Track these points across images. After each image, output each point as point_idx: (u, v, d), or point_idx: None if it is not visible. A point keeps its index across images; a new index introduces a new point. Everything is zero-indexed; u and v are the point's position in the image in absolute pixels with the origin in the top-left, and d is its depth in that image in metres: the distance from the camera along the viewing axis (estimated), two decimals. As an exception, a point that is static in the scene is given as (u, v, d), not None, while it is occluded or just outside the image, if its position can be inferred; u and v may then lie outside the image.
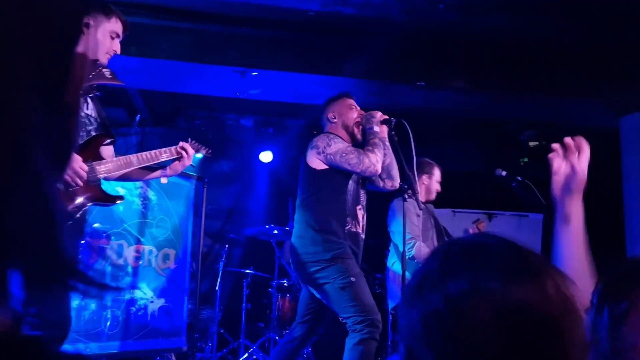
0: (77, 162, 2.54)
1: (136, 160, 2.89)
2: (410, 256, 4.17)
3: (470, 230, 5.09)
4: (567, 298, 0.74)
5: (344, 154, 3.49)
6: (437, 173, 4.73)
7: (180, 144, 3.03)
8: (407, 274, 3.64)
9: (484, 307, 0.72)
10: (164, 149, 3.02)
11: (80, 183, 2.56)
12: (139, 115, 6.57)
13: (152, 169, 3.02)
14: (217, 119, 7.32)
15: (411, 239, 4.19)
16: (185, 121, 7.25)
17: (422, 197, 4.59)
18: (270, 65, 5.22)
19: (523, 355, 0.70)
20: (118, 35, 2.79)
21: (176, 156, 3.04)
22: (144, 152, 2.95)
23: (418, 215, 4.38)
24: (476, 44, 5.17)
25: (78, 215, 2.63)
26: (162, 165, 3.08)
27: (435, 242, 4.48)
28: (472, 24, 4.84)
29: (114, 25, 2.77)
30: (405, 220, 3.69)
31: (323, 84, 5.49)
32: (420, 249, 4.21)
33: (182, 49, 5.06)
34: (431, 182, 4.68)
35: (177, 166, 3.06)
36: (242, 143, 7.50)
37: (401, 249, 4.25)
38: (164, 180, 3.13)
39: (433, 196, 4.72)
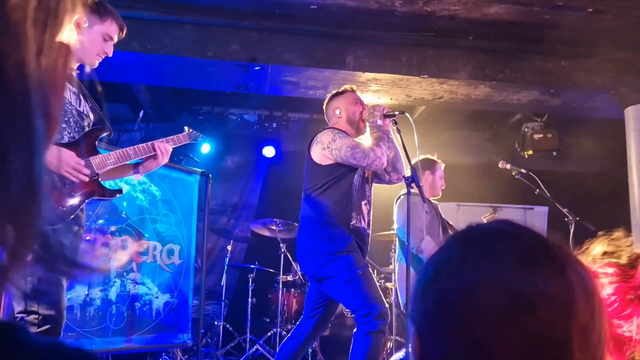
0: (72, 158, 2.50)
1: (133, 152, 2.84)
2: (414, 249, 4.18)
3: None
4: (591, 293, 0.71)
5: (349, 149, 3.47)
6: (439, 169, 4.73)
7: (155, 142, 2.93)
8: (412, 269, 3.62)
9: (502, 298, 0.68)
10: (156, 141, 2.97)
11: (85, 179, 2.54)
12: (142, 111, 6.57)
13: (124, 169, 2.94)
14: (220, 115, 7.32)
15: (419, 232, 4.21)
16: (188, 117, 7.25)
17: (427, 194, 4.59)
18: (273, 59, 5.21)
19: (540, 349, 0.67)
20: (111, 38, 2.75)
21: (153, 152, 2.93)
22: (140, 145, 2.89)
23: (426, 212, 4.39)
24: (480, 34, 5.14)
25: (78, 211, 2.62)
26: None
27: (442, 237, 4.47)
28: (475, 14, 4.81)
29: (108, 27, 2.73)
30: (409, 215, 3.68)
31: (326, 78, 5.47)
32: (427, 242, 4.22)
33: (185, 44, 5.05)
34: (434, 178, 4.69)
35: (152, 164, 2.95)
36: (245, 138, 7.49)
37: (406, 244, 4.25)
38: (137, 177, 3.07)
39: (438, 192, 4.73)
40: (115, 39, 2.78)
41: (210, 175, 5.21)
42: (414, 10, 4.74)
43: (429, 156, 4.76)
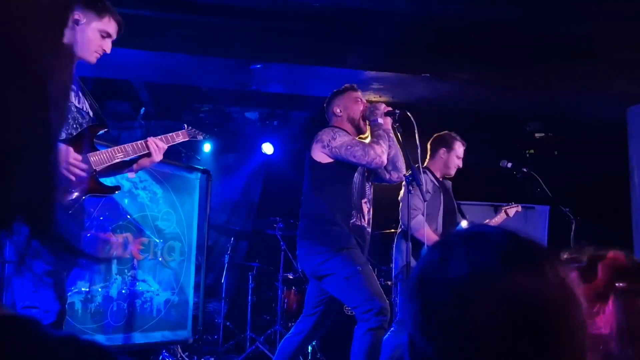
0: (71, 155, 2.49)
1: (132, 149, 2.82)
2: (404, 225, 4.18)
3: (498, 218, 4.96)
4: (565, 283, 0.75)
5: (349, 147, 3.47)
6: (458, 148, 4.54)
7: (149, 139, 2.90)
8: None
9: (485, 294, 0.72)
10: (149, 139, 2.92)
11: (83, 174, 2.53)
12: (143, 109, 6.57)
13: (120, 166, 2.91)
14: (222, 112, 7.31)
15: (413, 211, 4.14)
16: (190, 114, 7.24)
17: (438, 172, 4.55)
18: (275, 57, 5.20)
19: (526, 340, 0.70)
20: (109, 35, 2.73)
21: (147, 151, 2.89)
22: (137, 142, 2.87)
23: (428, 192, 4.33)
24: (482, 34, 5.13)
25: (75, 207, 2.62)
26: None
27: (441, 221, 4.44)
28: (477, 14, 4.80)
29: (106, 24, 2.70)
30: (410, 208, 3.68)
31: (328, 76, 5.47)
32: (420, 221, 4.13)
33: (187, 41, 5.05)
34: (449, 156, 4.51)
35: (145, 162, 2.92)
36: (247, 136, 7.49)
37: (407, 242, 4.25)
38: (131, 175, 3.05)
39: (451, 171, 4.56)
40: (114, 36, 2.76)
41: (211, 173, 5.21)
42: (417, 9, 4.74)
43: (452, 133, 4.59)
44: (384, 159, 3.51)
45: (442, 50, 5.37)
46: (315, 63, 5.26)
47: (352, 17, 4.93)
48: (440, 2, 4.62)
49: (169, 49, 5.04)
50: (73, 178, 2.50)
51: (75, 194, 2.57)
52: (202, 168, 5.28)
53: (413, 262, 3.82)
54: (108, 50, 2.75)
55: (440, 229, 4.40)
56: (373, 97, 5.82)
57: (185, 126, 3.16)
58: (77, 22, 2.64)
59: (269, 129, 7.37)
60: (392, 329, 4.21)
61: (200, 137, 3.29)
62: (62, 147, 2.49)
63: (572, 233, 4.64)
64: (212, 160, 6.91)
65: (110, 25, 2.72)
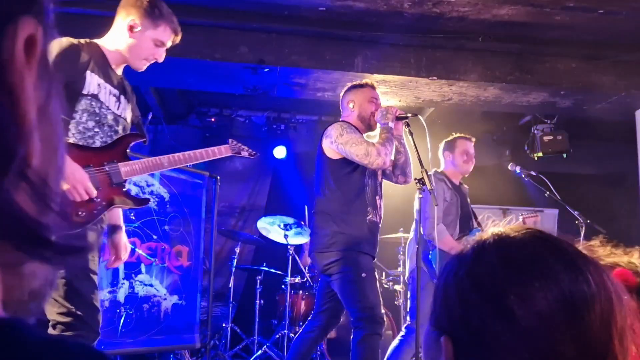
0: (78, 172, 2.31)
1: (167, 162, 2.70)
2: (425, 235, 4.20)
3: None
4: (620, 295, 0.74)
5: (353, 145, 3.48)
6: (460, 145, 4.60)
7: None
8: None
9: (526, 297, 0.72)
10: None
11: (85, 196, 2.33)
12: (150, 113, 6.58)
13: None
14: (228, 116, 7.32)
15: (431, 220, 4.17)
16: (197, 118, 7.26)
17: (453, 176, 4.57)
18: (282, 61, 5.20)
19: (588, 351, 0.70)
20: (163, 44, 2.65)
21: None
22: (176, 154, 2.74)
23: (445, 201, 4.37)
24: (490, 35, 5.11)
25: (101, 217, 2.54)
26: None
27: (458, 228, 4.45)
28: (485, 15, 4.78)
29: (161, 33, 2.62)
30: (421, 212, 3.68)
31: (335, 80, 5.46)
32: (442, 230, 4.17)
33: (193, 46, 5.05)
34: (454, 156, 4.58)
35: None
36: (253, 140, 7.49)
37: (420, 237, 4.27)
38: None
39: (463, 169, 4.59)
40: (168, 45, 2.69)
41: (218, 177, 5.21)
42: (423, 11, 4.72)
43: (454, 134, 4.69)
44: (386, 161, 3.51)
45: (449, 51, 5.35)
46: (322, 66, 5.25)
47: (358, 20, 4.92)
48: (448, 4, 4.61)
49: (175, 54, 5.03)
50: (77, 199, 2.32)
51: (101, 205, 2.46)
52: (209, 172, 5.28)
53: (423, 266, 3.86)
54: (160, 60, 2.67)
55: (457, 235, 4.41)
56: (380, 100, 5.79)
57: (230, 141, 3.07)
58: (132, 28, 2.57)
59: (276, 132, 7.38)
60: (402, 333, 4.22)
61: (245, 153, 3.19)
62: (69, 163, 2.28)
63: (581, 237, 4.61)
64: (219, 164, 6.91)
65: (165, 34, 2.64)
